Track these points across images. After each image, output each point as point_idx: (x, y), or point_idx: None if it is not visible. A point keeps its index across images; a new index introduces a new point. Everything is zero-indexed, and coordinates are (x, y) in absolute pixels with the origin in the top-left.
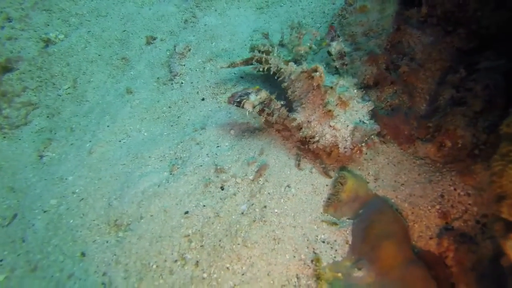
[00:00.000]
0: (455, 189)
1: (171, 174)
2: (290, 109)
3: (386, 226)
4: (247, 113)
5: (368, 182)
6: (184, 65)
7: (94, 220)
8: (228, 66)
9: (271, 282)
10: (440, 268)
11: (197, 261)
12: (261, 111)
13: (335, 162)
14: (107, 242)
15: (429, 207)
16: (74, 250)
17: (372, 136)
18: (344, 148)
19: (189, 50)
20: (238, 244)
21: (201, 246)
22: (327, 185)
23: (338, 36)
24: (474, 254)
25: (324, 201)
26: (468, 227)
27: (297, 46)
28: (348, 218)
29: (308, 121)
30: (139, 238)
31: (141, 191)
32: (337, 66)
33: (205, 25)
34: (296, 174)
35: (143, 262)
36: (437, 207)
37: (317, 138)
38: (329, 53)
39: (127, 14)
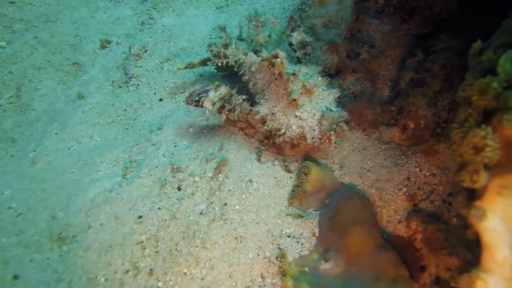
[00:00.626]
0: (420, 171)
1: (124, 178)
2: (253, 103)
3: (353, 212)
4: (207, 112)
5: (333, 171)
6: (141, 66)
7: (33, 236)
8: (186, 67)
9: (234, 284)
10: (409, 251)
11: (151, 269)
12: (222, 108)
13: (302, 153)
14: (48, 259)
15: (396, 191)
16: (4, 273)
17: (341, 124)
18: (312, 138)
19: (146, 51)
20: (196, 246)
21: (155, 252)
22: (291, 177)
23: (299, 26)
24: (442, 233)
25: (288, 194)
26: (436, 207)
27: (256, 36)
28: (315, 210)
29: (272, 113)
30: (86, 250)
31: (90, 199)
32: (299, 56)
33: (162, 25)
34: (258, 168)
35: (89, 276)
36: (404, 190)
37: (283, 131)
38: (290, 44)
39: (80, 19)
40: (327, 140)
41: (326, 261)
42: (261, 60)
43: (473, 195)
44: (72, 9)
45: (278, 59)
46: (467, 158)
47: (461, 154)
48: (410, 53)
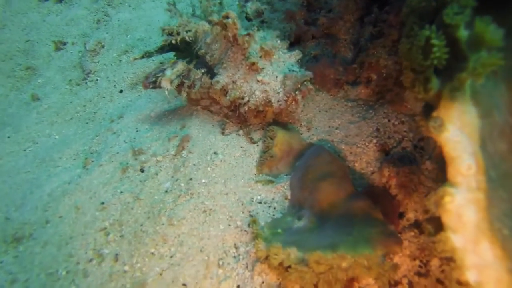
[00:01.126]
0: (389, 120)
1: (84, 168)
2: (212, 76)
3: (322, 168)
4: (166, 92)
5: (301, 134)
6: (98, 61)
7: None
8: (142, 56)
9: (206, 258)
10: (386, 200)
11: (116, 254)
12: (181, 85)
13: (269, 121)
14: (1, 262)
15: (367, 143)
16: None
17: (305, 83)
18: (278, 101)
19: (103, 46)
20: (163, 224)
21: (120, 237)
22: (257, 145)
23: None
24: (415, 175)
25: (256, 161)
26: (407, 152)
27: (206, 3)
28: (286, 174)
29: (233, 81)
30: (44, 245)
31: (48, 194)
32: (256, 25)
33: (118, 20)
34: (222, 140)
35: (48, 271)
36: (374, 141)
37: (246, 98)
38: (246, 14)
39: (30, 24)
40: (294, 102)
41: (299, 219)
42: (213, 25)
43: (428, 110)
44: (21, 15)
45: (229, 19)
46: (417, 65)
47: (411, 64)
48: (368, 14)
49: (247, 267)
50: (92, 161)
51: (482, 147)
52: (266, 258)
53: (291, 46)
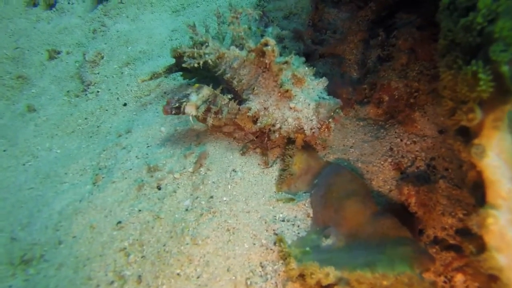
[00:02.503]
0: (401, 140)
1: (95, 185)
2: (240, 102)
3: (344, 186)
4: (191, 118)
5: (317, 152)
6: (98, 73)
7: None
8: (151, 78)
9: (233, 278)
10: (405, 217)
11: (139, 276)
12: (207, 112)
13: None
14: (10, 287)
15: (382, 162)
16: None
17: (337, 110)
18: (311, 129)
19: (102, 57)
20: (187, 244)
21: (142, 257)
22: (276, 163)
23: (272, 21)
24: (434, 195)
25: (275, 179)
26: (422, 172)
27: (236, 28)
28: (304, 192)
29: (265, 108)
30: (59, 267)
31: (58, 212)
32: (279, 51)
33: (117, 31)
34: (240, 157)
35: None
36: (389, 160)
37: (278, 125)
38: None
39: (19, 30)
40: (326, 129)
41: (327, 237)
42: (249, 52)
43: (466, 134)
44: (7, 21)
45: (269, 47)
46: (462, 96)
47: (455, 95)
48: (371, 36)
49: (276, 286)
50: (103, 177)
51: None
52: (299, 277)
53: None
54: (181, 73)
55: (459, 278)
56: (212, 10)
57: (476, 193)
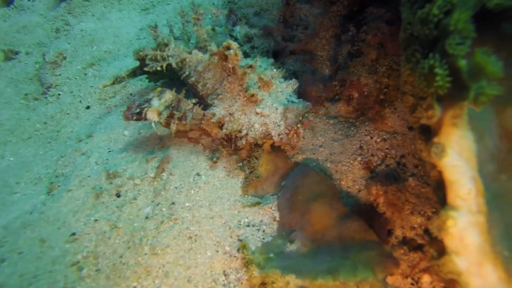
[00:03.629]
0: (371, 138)
1: (49, 195)
2: (205, 107)
3: (311, 188)
4: (153, 125)
5: (286, 152)
6: (60, 74)
7: None
8: (113, 83)
9: None
10: (374, 218)
11: None
12: (170, 117)
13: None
14: None
15: (351, 161)
16: None
17: (306, 114)
18: (279, 135)
19: (64, 58)
20: (145, 254)
21: (96, 271)
22: (241, 165)
23: (240, 20)
24: (402, 193)
25: (241, 182)
26: (391, 170)
27: (198, 30)
28: (272, 194)
29: (230, 114)
30: None
31: (3, 226)
32: (247, 51)
33: (81, 30)
34: (205, 160)
35: None
36: (359, 159)
37: (244, 131)
38: (235, 39)
39: None
40: (295, 135)
41: (291, 242)
42: (211, 55)
43: (427, 132)
44: None
45: (231, 51)
46: (421, 92)
47: (415, 91)
48: (343, 31)
49: None
50: (59, 186)
51: (479, 171)
52: (261, 285)
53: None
54: (146, 76)
55: (425, 279)
56: (183, 7)
57: (439, 193)
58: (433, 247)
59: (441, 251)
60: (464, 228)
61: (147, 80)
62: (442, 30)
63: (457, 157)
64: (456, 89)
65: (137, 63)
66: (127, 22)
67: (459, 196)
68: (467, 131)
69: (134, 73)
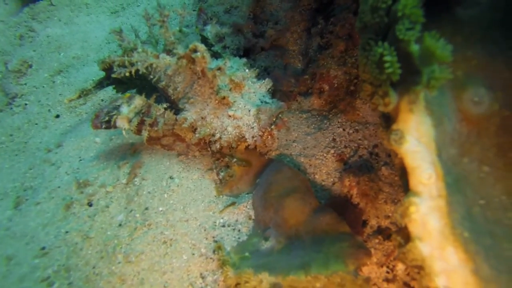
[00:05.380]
0: (344, 130)
1: (16, 209)
2: (177, 111)
3: (284, 183)
4: (124, 133)
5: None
6: (25, 83)
7: None
8: (79, 96)
9: None
10: (349, 210)
11: None
12: (141, 124)
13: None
14: None
15: (325, 154)
16: None
17: (280, 115)
18: (253, 137)
19: (30, 66)
20: (119, 262)
21: (68, 284)
22: (215, 165)
23: (211, 18)
24: (375, 183)
25: (215, 182)
26: (364, 161)
27: (165, 33)
28: (247, 193)
29: (202, 117)
30: None
31: None
32: (218, 51)
33: (48, 36)
34: (178, 163)
35: None
36: (332, 151)
37: (218, 135)
38: (205, 39)
39: None
40: (269, 136)
41: (266, 240)
42: (178, 59)
43: (387, 120)
44: None
45: (198, 53)
46: (375, 80)
47: (371, 78)
48: (313, 25)
49: None
50: (27, 200)
51: (438, 155)
52: (236, 285)
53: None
54: (113, 86)
55: (400, 267)
56: (154, 8)
57: (403, 180)
58: (400, 234)
59: (407, 238)
60: (426, 214)
61: (114, 91)
62: (392, 17)
63: (416, 143)
64: (410, 74)
65: (103, 74)
66: (96, 26)
67: (420, 181)
68: (424, 116)
69: (101, 84)
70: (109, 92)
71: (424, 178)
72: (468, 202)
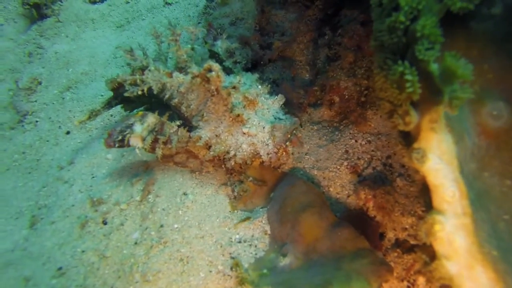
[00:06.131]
0: (356, 141)
1: (32, 229)
2: (190, 129)
3: (299, 199)
4: (137, 151)
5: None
6: (36, 100)
7: None
8: (89, 118)
9: None
10: (365, 223)
11: None
12: (155, 142)
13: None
14: None
15: (338, 166)
16: None
17: (295, 131)
18: (268, 154)
19: (39, 83)
20: (136, 282)
21: None
22: (230, 180)
23: (220, 34)
24: (391, 195)
25: (229, 198)
26: (378, 172)
27: (177, 51)
28: (262, 208)
29: (216, 135)
30: None
31: None
32: (230, 66)
33: (56, 53)
34: (191, 178)
35: None
36: (345, 163)
37: (232, 153)
38: (215, 54)
39: None
40: (284, 153)
41: (284, 256)
42: (192, 78)
43: (407, 138)
44: None
45: (213, 73)
46: (394, 99)
47: (388, 97)
48: (320, 35)
49: None
50: (42, 219)
51: (461, 172)
52: None
53: (248, 71)
54: (121, 105)
55: (421, 281)
56: (158, 22)
57: (425, 197)
58: (425, 252)
59: (433, 255)
60: (452, 232)
61: (122, 110)
62: (410, 36)
63: (438, 161)
64: (431, 93)
65: (111, 94)
66: (102, 41)
67: (444, 199)
68: (446, 134)
69: (109, 104)
70: (117, 107)
71: (448, 196)
72: (492, 218)
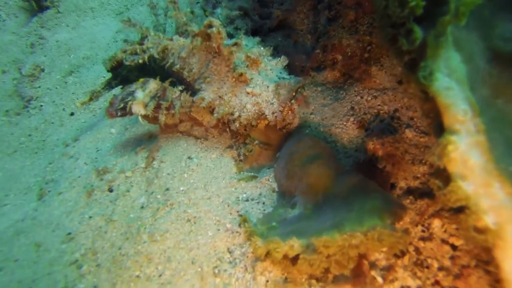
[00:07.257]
0: (361, 97)
1: (40, 201)
2: (193, 93)
3: (306, 152)
4: (140, 119)
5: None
6: (39, 86)
7: None
8: (90, 99)
9: (199, 269)
10: (376, 175)
11: (95, 286)
12: (157, 108)
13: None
14: None
15: (344, 123)
16: None
17: (300, 90)
18: (273, 113)
19: (42, 70)
20: (144, 242)
21: (96, 266)
22: (234, 142)
23: (220, 2)
24: (400, 144)
25: (235, 160)
26: (386, 124)
27: (177, 14)
28: (268, 168)
29: (220, 96)
30: None
31: None
32: (231, 32)
33: (57, 41)
34: (195, 144)
35: None
36: (352, 119)
37: (237, 114)
38: None
39: None
40: (290, 111)
41: (293, 207)
42: (193, 37)
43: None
44: None
45: (214, 28)
46: (397, 19)
47: (389, 20)
48: (319, 2)
49: (246, 269)
50: (49, 191)
51: (472, 91)
52: (267, 255)
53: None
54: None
55: (436, 224)
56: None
57: (436, 128)
58: (438, 178)
59: (446, 180)
60: (466, 151)
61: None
62: None
63: (447, 80)
64: (434, 6)
65: (109, 74)
66: (103, 28)
67: (456, 119)
68: (453, 51)
69: (110, 85)
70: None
71: (459, 115)
72: (507, 140)
